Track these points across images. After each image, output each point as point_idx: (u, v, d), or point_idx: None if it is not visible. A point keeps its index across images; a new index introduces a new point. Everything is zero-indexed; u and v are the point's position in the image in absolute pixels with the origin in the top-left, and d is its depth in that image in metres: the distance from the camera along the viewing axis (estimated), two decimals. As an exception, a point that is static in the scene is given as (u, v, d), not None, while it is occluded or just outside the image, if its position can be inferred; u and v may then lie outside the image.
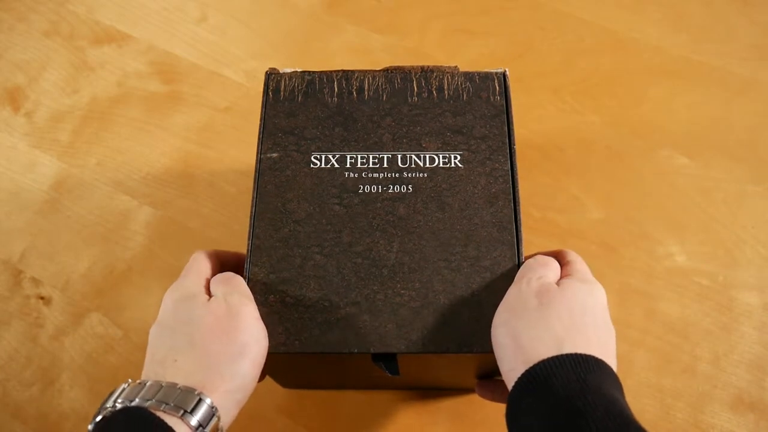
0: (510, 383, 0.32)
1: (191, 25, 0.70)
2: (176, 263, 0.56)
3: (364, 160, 0.40)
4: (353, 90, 0.42)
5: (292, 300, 0.37)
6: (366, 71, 0.43)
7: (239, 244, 0.41)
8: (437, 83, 0.42)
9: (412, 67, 0.43)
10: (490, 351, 0.35)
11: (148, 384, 0.31)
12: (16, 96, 0.66)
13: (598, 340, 0.33)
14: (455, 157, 0.40)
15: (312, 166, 0.40)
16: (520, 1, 0.70)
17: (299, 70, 0.43)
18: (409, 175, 0.40)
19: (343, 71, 0.43)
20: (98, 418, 0.31)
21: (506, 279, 0.36)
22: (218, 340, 0.33)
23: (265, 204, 0.39)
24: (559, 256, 0.38)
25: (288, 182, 0.39)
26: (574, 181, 0.58)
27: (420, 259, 0.37)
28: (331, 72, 0.43)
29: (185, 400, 0.30)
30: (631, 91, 0.63)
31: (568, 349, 0.32)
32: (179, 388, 0.31)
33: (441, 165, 0.40)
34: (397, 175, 0.40)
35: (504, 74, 0.42)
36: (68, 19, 0.71)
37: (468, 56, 0.66)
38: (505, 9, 0.70)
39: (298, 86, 0.42)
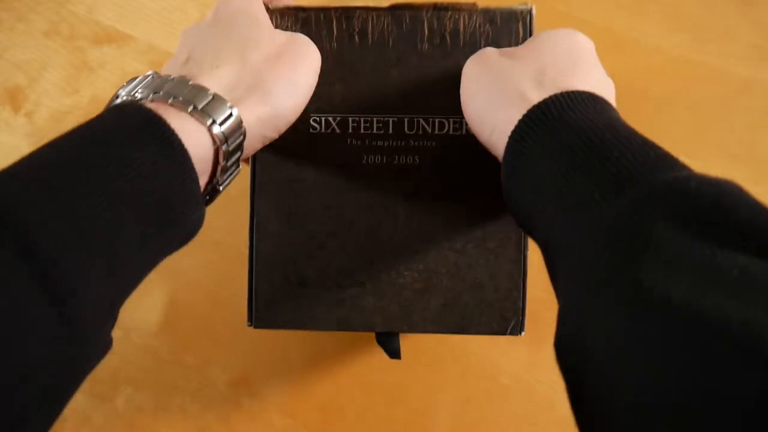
0: (504, 135, 0.27)
1: (191, 25, 0.70)
2: (176, 263, 0.56)
3: (368, 125, 0.37)
4: (355, 33, 0.36)
5: (296, 279, 0.37)
6: (369, 9, 0.37)
7: (240, 246, 0.41)
8: (452, 25, 0.36)
9: (423, 4, 0.37)
10: (490, 332, 0.37)
11: (175, 78, 0.27)
12: (16, 96, 0.66)
13: (602, 89, 0.29)
14: (466, 123, 0.37)
15: (312, 131, 0.37)
16: (520, 1, 0.70)
17: (292, 3, 0.38)
18: (416, 143, 0.37)
19: (343, 8, 0.37)
20: (111, 105, 0.28)
21: (509, 262, 0.36)
22: (272, 71, 0.30)
23: (264, 177, 0.37)
24: None
25: (288, 150, 0.37)
26: (574, 181, 0.58)
27: (424, 240, 0.37)
28: (329, 9, 0.37)
29: (215, 108, 0.27)
30: (631, 91, 0.63)
31: (575, 87, 0.27)
32: (212, 94, 0.27)
33: (451, 132, 0.37)
34: (402, 143, 0.37)
35: (530, 12, 0.37)
36: (68, 19, 0.72)
37: (468, 56, 0.66)
38: (505, 9, 0.70)
39: (291, 27, 0.37)
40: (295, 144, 0.37)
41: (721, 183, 0.21)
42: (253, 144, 0.30)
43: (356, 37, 0.36)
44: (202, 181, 0.28)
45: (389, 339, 0.37)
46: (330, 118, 0.37)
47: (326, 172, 0.37)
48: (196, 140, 0.26)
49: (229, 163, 0.29)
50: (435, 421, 0.50)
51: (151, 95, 0.26)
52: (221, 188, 0.31)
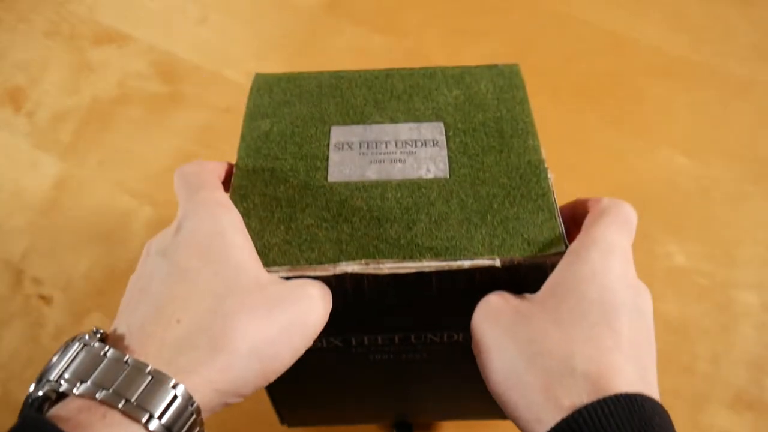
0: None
1: (192, 25, 0.70)
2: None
3: (373, 339, 0.32)
4: (347, 288, 0.28)
5: (315, 404, 0.40)
6: (362, 275, 0.27)
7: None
8: (466, 277, 0.28)
9: (434, 270, 0.27)
10: (492, 419, 0.40)
11: (110, 356, 0.22)
12: (17, 96, 0.66)
13: (639, 357, 0.24)
14: None
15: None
16: (520, 1, 0.70)
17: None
18: (424, 347, 0.33)
19: (335, 275, 0.27)
20: (32, 397, 0.23)
21: None
22: (249, 326, 0.23)
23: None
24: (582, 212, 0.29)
25: None
26: (574, 181, 0.58)
27: (440, 400, 0.40)
28: (314, 269, 0.27)
29: (153, 395, 0.21)
30: (631, 91, 0.63)
31: (611, 386, 0.22)
32: (150, 373, 0.21)
33: (461, 340, 0.32)
34: (410, 347, 0.33)
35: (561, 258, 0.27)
36: (69, 19, 0.72)
37: (468, 56, 0.66)
38: (505, 9, 0.70)
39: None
40: None
41: None
42: (211, 411, 0.24)
43: (350, 290, 0.28)
44: None
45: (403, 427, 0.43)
46: (331, 338, 0.31)
47: (332, 370, 0.34)
48: None
49: None
50: (437, 424, 0.50)
51: (78, 385, 0.22)
52: None
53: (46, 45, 0.70)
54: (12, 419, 0.21)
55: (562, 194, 0.57)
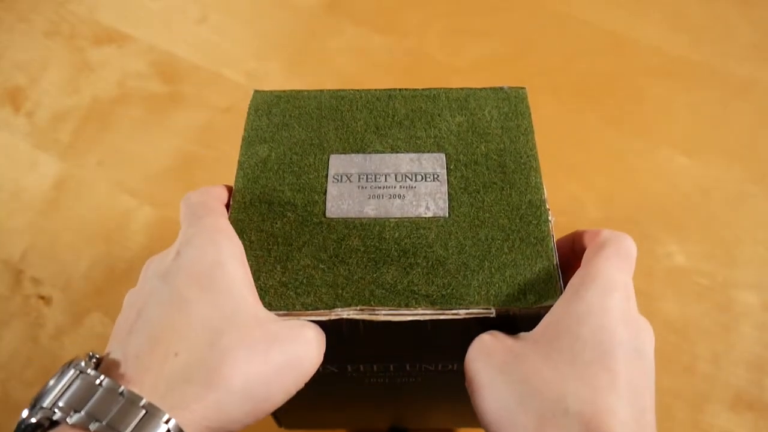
0: None
1: (192, 25, 0.70)
2: (177, 263, 0.56)
3: (368, 367, 0.32)
4: (343, 330, 0.28)
5: (313, 409, 0.40)
6: (358, 320, 0.27)
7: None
8: (460, 324, 0.28)
9: (429, 319, 0.27)
10: None
11: (105, 385, 0.22)
12: (16, 96, 0.66)
13: (635, 398, 0.23)
14: None
15: None
16: (520, 1, 0.70)
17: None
18: (419, 373, 0.33)
19: (330, 320, 0.27)
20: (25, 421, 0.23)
21: None
22: (245, 365, 0.23)
23: None
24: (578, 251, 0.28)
25: None
26: (574, 181, 0.58)
27: (435, 411, 0.41)
28: (310, 314, 0.27)
29: (146, 429, 0.21)
30: (631, 91, 0.63)
31: (603, 428, 0.22)
32: (144, 407, 0.21)
33: (456, 369, 0.32)
34: (405, 373, 0.33)
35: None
36: (69, 19, 0.72)
37: (468, 56, 0.66)
38: (505, 9, 0.70)
39: None
40: None
41: None
42: None
43: (345, 334, 0.28)
44: None
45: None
46: (327, 366, 0.31)
47: (328, 389, 0.34)
48: None
49: None
50: (432, 428, 0.50)
51: (71, 415, 0.22)
52: None
53: (46, 45, 0.70)
54: (11, 419, 0.21)
55: (563, 193, 0.57)
